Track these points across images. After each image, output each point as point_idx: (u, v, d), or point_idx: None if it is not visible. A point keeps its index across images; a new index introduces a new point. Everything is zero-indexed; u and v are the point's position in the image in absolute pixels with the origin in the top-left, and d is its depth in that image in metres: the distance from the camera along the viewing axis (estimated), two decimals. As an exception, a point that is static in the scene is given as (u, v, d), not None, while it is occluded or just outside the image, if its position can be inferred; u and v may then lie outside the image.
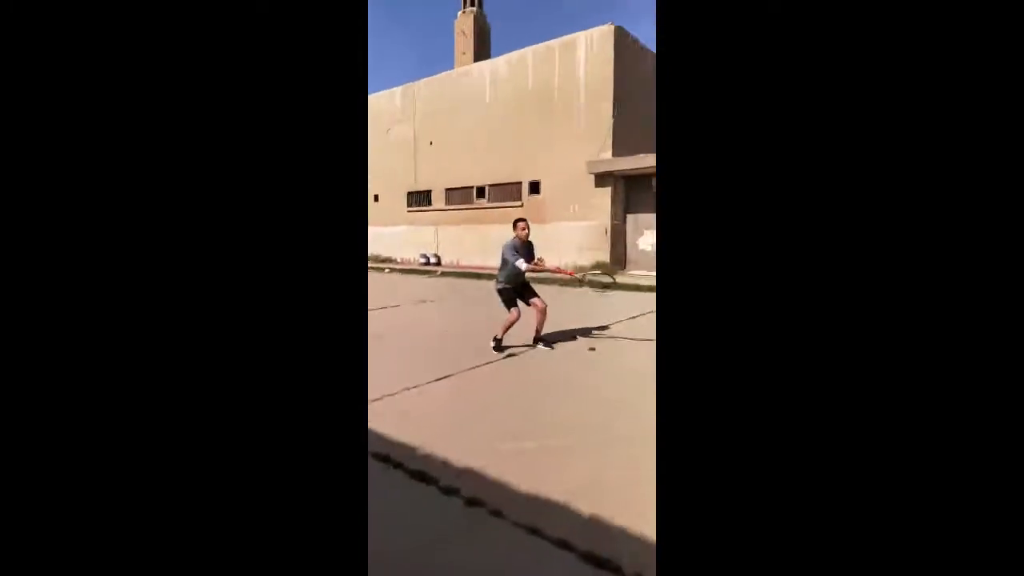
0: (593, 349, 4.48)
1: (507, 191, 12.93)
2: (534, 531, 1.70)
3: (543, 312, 4.46)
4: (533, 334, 4.57)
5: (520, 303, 4.45)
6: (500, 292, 4.49)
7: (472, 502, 1.88)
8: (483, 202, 13.43)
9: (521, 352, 4.34)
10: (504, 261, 4.39)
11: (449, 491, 1.96)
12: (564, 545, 1.62)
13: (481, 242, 13.39)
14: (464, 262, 13.60)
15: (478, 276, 11.27)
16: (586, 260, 11.54)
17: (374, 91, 16.63)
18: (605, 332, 5.26)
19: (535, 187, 12.31)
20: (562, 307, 6.66)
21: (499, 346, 4.36)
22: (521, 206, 12.53)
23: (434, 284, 10.06)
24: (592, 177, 11.28)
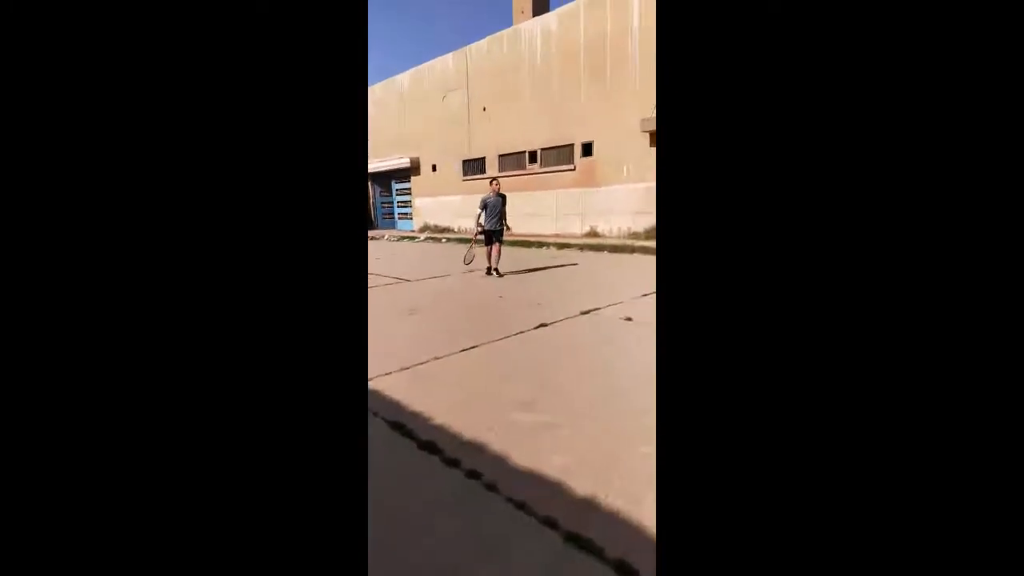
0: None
1: (559, 154, 12.56)
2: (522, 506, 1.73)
3: (498, 252, 6.99)
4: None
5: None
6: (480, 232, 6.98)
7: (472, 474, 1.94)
8: (535, 167, 13.18)
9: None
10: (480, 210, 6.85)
11: (452, 463, 2.03)
12: (549, 523, 1.63)
13: (534, 208, 13.25)
14: (519, 230, 13.55)
15: (528, 244, 11.21)
16: (641, 225, 11.07)
17: (432, 58, 16.51)
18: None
19: (588, 149, 11.86)
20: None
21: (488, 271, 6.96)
22: (573, 169, 12.17)
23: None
24: (647, 136, 10.66)
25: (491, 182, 6.99)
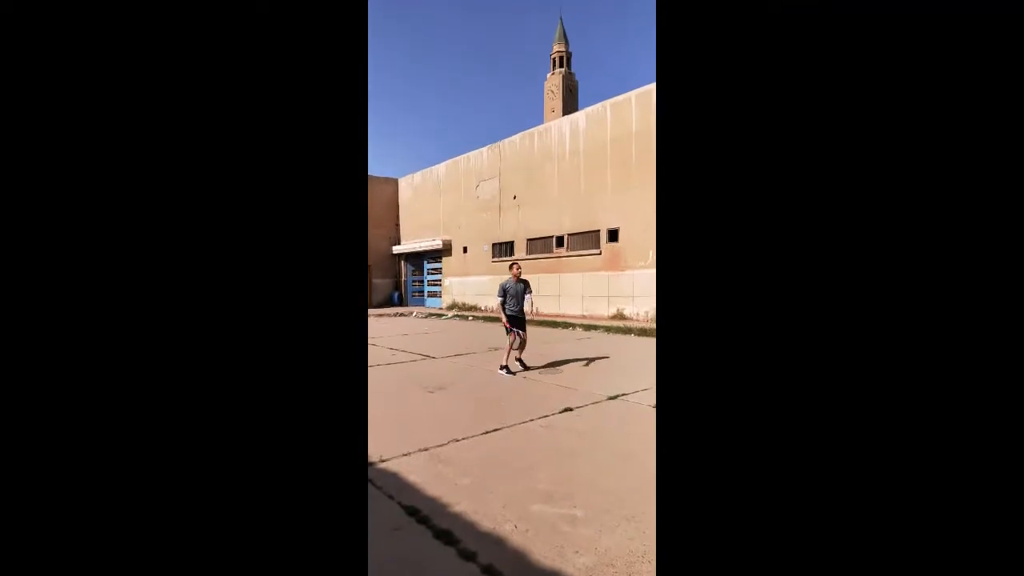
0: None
1: (586, 239, 12.92)
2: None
3: (520, 343, 5.99)
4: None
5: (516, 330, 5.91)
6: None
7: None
8: (562, 251, 13.54)
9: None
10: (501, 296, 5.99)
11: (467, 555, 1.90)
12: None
13: (558, 289, 13.40)
14: (543, 310, 13.65)
15: (554, 324, 11.19)
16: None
17: (469, 151, 17.87)
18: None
19: (613, 235, 12.18)
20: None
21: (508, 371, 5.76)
22: (599, 254, 12.42)
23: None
24: (674, 223, 10.89)
25: (511, 266, 6.10)
